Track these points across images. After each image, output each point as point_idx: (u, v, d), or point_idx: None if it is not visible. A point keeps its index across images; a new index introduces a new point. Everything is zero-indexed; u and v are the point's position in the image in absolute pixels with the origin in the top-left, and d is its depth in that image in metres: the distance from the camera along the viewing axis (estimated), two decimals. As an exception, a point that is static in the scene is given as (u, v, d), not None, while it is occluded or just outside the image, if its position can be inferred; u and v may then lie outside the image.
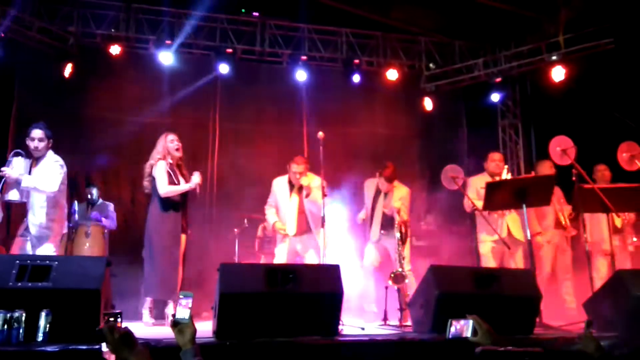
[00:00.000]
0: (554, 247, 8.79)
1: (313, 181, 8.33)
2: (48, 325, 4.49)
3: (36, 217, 6.70)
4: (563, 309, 8.38)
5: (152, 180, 7.51)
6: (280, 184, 8.64)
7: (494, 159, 8.54)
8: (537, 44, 11.66)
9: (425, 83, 12.85)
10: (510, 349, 3.29)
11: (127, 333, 3.02)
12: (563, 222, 8.78)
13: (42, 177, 6.62)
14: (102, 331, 2.99)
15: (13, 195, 6.59)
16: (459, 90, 13.01)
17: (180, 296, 3.23)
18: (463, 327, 3.60)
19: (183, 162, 7.83)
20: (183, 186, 7.50)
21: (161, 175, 7.40)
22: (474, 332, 3.56)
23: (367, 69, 12.57)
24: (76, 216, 8.01)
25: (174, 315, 3.17)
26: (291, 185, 8.53)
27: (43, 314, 4.49)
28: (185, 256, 7.67)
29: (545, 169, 8.72)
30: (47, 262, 4.83)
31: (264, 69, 12.30)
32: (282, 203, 8.57)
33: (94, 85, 10.77)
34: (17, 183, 6.52)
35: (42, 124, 6.84)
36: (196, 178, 7.54)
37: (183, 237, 7.61)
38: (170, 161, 7.56)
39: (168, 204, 7.44)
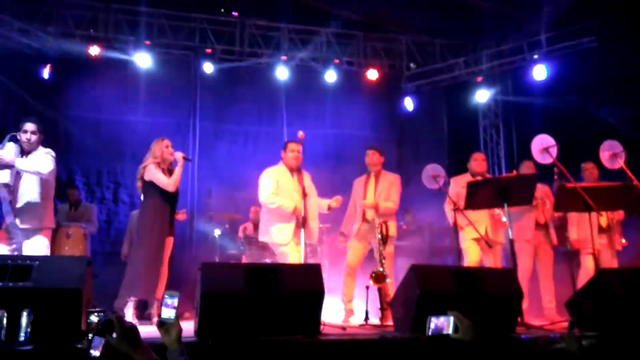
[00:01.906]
0: (535, 246, 8.73)
1: None
2: (29, 325, 4.47)
3: (27, 207, 6.50)
4: (542, 309, 8.40)
5: (144, 183, 7.44)
6: (279, 171, 7.81)
7: (477, 159, 8.52)
8: (518, 42, 11.70)
9: (405, 83, 12.89)
10: None
11: (133, 328, 3.00)
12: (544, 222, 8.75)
13: (35, 160, 6.44)
14: (113, 321, 2.96)
15: (3, 177, 6.36)
16: (439, 89, 13.03)
17: (166, 296, 3.21)
18: (444, 323, 3.54)
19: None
20: (177, 171, 7.43)
21: (158, 175, 7.33)
22: (456, 328, 3.51)
23: (348, 68, 12.60)
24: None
25: (159, 316, 3.16)
26: (291, 169, 7.81)
27: (24, 313, 4.47)
28: (170, 259, 7.61)
29: (526, 169, 8.72)
30: (28, 262, 4.80)
31: (243, 69, 12.27)
32: (287, 190, 7.68)
33: (73, 86, 10.74)
34: (7, 166, 6.30)
35: (34, 118, 6.71)
36: (178, 155, 7.48)
37: (171, 240, 7.56)
38: (163, 167, 7.51)
39: (158, 206, 7.39)
